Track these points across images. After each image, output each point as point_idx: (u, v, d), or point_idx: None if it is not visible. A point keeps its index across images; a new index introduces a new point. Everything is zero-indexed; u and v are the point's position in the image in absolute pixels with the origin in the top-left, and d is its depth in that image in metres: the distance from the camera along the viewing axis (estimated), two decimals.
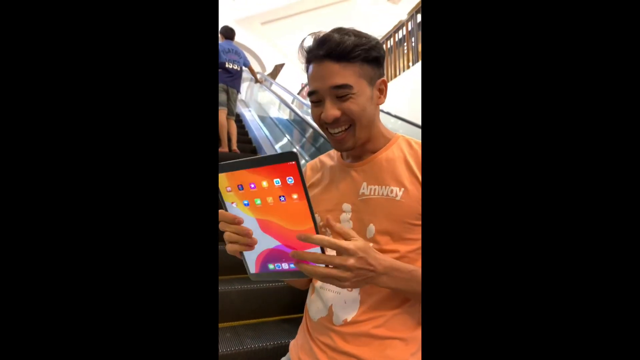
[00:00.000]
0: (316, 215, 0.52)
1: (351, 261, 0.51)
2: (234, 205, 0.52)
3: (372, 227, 0.66)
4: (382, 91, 0.69)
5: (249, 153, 3.83)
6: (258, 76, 4.63)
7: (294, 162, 0.46)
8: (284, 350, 0.79)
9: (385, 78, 0.69)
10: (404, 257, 0.64)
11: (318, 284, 0.72)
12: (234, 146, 3.70)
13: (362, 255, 0.52)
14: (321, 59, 0.63)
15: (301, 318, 0.78)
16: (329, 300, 0.68)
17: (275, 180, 0.48)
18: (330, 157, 0.80)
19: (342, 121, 0.65)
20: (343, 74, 0.63)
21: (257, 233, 0.53)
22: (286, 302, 1.65)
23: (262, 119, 4.77)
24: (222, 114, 3.59)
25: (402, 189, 0.65)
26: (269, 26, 9.65)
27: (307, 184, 0.66)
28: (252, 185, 0.49)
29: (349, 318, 0.65)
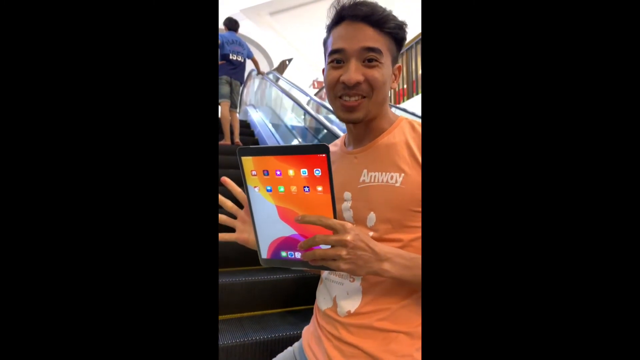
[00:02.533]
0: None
1: (348, 237, 0.51)
2: (256, 189, 0.52)
3: (372, 215, 0.64)
4: (396, 76, 0.69)
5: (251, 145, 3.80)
6: (270, 76, 4.58)
7: (324, 155, 0.46)
8: (289, 342, 0.79)
9: (400, 64, 0.69)
10: (408, 245, 0.62)
11: (324, 274, 0.72)
12: (237, 139, 3.69)
13: (359, 233, 0.52)
14: (356, 19, 0.62)
15: (305, 310, 0.78)
16: (333, 291, 0.68)
17: (302, 170, 0.48)
18: (334, 146, 0.79)
19: (362, 89, 0.63)
20: (376, 38, 0.62)
21: (275, 220, 0.53)
22: (291, 295, 1.65)
23: (276, 126, 4.60)
24: (225, 106, 3.55)
25: (402, 175, 0.62)
26: (278, 16, 8.72)
27: None
28: (278, 173, 0.50)
29: (352, 309, 0.65)
